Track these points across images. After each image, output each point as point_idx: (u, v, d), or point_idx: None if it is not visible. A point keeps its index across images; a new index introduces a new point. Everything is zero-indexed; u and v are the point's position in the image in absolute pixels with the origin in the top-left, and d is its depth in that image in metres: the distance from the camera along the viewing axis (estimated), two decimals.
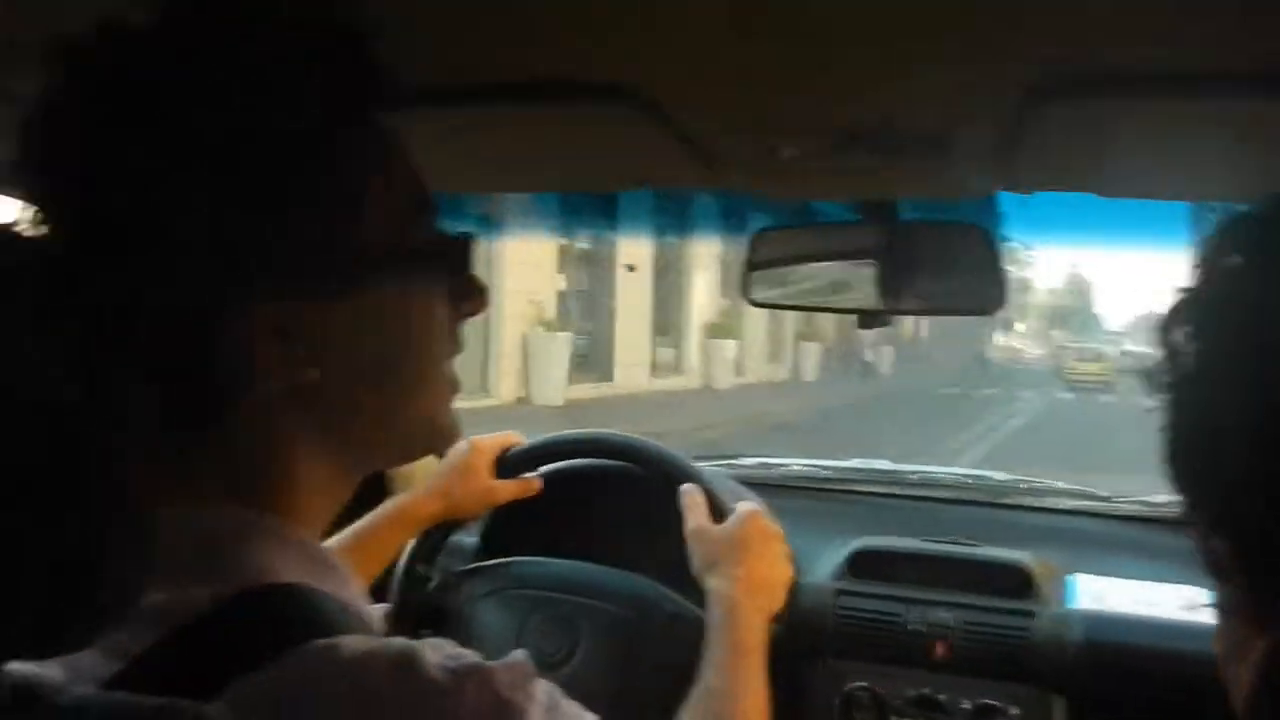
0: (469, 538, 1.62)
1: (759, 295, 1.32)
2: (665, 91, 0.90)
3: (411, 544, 1.45)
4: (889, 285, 1.24)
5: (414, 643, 0.59)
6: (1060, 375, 35.18)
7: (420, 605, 1.43)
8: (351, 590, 0.68)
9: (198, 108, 0.58)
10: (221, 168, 0.59)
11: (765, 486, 1.70)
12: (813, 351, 25.64)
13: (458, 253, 0.74)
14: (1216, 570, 0.56)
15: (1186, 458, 0.55)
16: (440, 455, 1.42)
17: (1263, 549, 0.51)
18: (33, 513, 0.48)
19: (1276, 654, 0.53)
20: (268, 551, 0.63)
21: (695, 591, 1.39)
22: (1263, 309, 0.50)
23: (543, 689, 0.63)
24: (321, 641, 0.57)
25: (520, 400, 13.95)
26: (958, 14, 0.69)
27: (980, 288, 1.17)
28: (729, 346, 19.79)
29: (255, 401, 0.63)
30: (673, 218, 18.52)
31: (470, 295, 0.74)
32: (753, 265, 1.30)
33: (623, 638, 1.37)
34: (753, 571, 1.21)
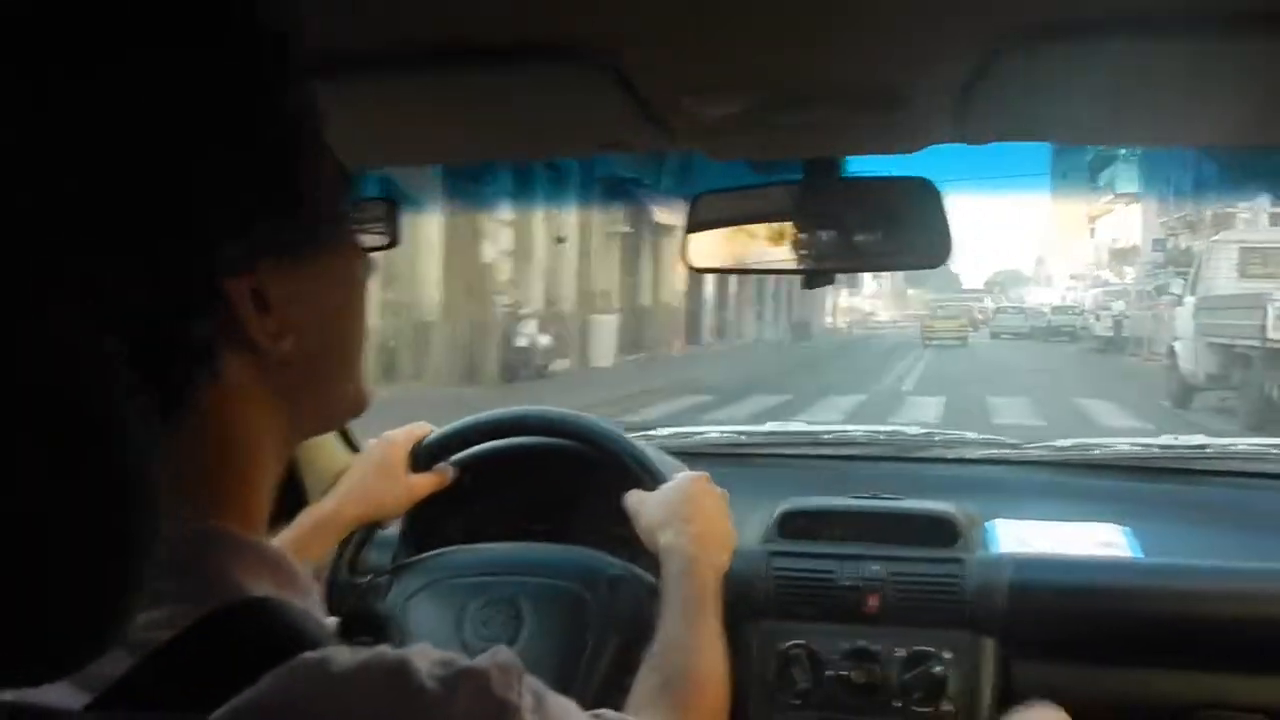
0: (389, 535, 1.57)
1: (698, 260, 1.31)
2: (618, 52, 0.88)
3: (333, 552, 1.41)
4: (832, 243, 1.24)
5: (403, 651, 0.57)
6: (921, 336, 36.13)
7: (354, 613, 1.38)
8: (312, 599, 0.65)
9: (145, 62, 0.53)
10: (190, 132, 0.55)
11: (684, 455, 1.70)
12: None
13: (389, 217, 0.73)
14: None
15: None
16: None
17: None
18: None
19: None
20: (233, 564, 0.60)
21: (632, 557, 1.38)
22: None
23: (529, 685, 0.61)
24: (310, 656, 0.54)
25: None
26: None
27: (926, 241, 1.18)
28: None
29: (219, 385, 0.59)
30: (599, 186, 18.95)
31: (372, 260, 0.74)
32: (692, 228, 1.28)
33: (567, 608, 1.36)
34: (705, 529, 1.23)
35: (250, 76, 0.57)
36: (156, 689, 0.53)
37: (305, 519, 1.33)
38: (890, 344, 35.30)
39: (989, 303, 59.05)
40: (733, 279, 26.51)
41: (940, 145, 1.13)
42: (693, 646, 1.09)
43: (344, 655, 0.54)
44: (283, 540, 1.27)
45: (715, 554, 1.21)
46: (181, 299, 0.55)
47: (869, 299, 72.13)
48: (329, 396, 0.70)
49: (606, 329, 20.21)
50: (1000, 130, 1.06)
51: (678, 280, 25.09)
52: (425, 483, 1.45)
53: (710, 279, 25.64)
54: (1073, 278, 57.68)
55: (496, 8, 0.79)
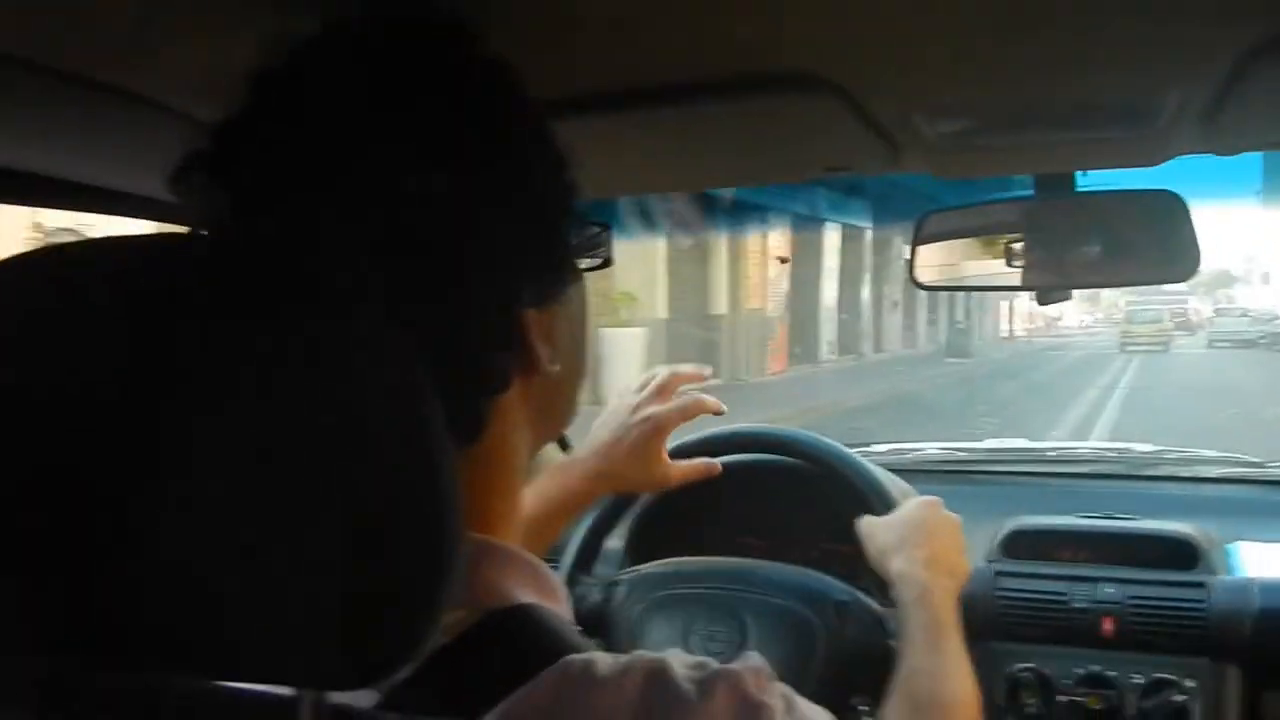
0: (615, 542, 1.61)
1: (925, 277, 1.31)
2: (847, 76, 0.89)
3: (570, 552, 1.45)
4: (1068, 259, 1.22)
5: (661, 655, 0.60)
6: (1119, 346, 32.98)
7: (585, 616, 1.43)
8: (566, 605, 0.69)
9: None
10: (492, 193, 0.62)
11: (902, 472, 1.68)
12: None
13: (605, 242, 0.78)
14: None
15: None
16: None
17: None
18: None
19: None
20: (502, 574, 0.65)
21: (859, 583, 1.38)
22: None
23: (779, 688, 0.63)
24: (577, 658, 0.58)
25: None
26: None
27: (1170, 255, 1.14)
28: None
29: (501, 406, 0.65)
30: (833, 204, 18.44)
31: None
32: (918, 243, 1.28)
33: (791, 630, 1.35)
34: (937, 554, 1.20)
35: (529, 159, 0.65)
36: (439, 689, 0.58)
37: (547, 489, 1.22)
38: (1074, 360, 29.08)
39: (1195, 304, 53.19)
40: (868, 277, 24.40)
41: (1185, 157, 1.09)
42: (939, 672, 1.07)
43: (607, 659, 0.58)
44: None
45: (949, 579, 1.18)
46: (490, 335, 0.62)
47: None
48: (569, 409, 0.76)
49: (626, 346, 14.07)
50: (1254, 140, 1.02)
51: (772, 281, 20.32)
52: (682, 471, 1.32)
53: (834, 278, 22.46)
54: None
55: (724, 43, 0.81)
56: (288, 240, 0.54)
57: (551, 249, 0.66)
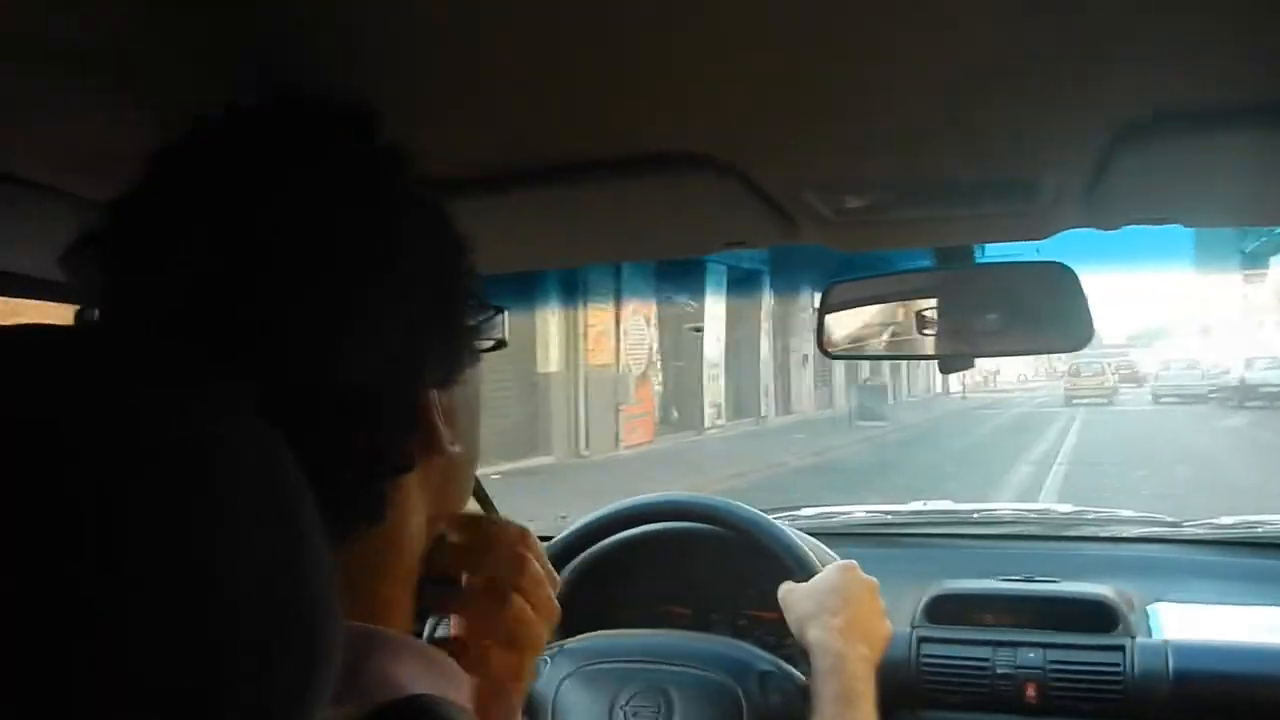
0: None
1: (832, 347, 1.33)
2: (739, 156, 0.91)
3: None
4: (968, 328, 1.24)
5: None
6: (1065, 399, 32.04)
7: None
8: (464, 694, 0.68)
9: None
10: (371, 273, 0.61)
11: (827, 536, 1.69)
12: None
13: (500, 326, 0.79)
14: None
15: None
16: None
17: None
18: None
19: None
20: (393, 663, 0.62)
21: (783, 651, 1.38)
22: None
23: None
24: None
25: None
26: (1047, 60, 0.70)
27: (1065, 325, 1.17)
28: None
29: (397, 494, 0.63)
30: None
31: None
32: (826, 312, 1.30)
33: (716, 701, 1.35)
34: (853, 620, 1.21)
35: (421, 240, 0.64)
36: None
37: None
38: (1008, 420, 25.48)
39: (1138, 356, 50.75)
40: (767, 329, 21.54)
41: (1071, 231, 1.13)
42: None
43: None
44: None
45: (865, 647, 1.19)
46: (394, 414, 0.61)
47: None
48: (466, 490, 0.75)
49: None
50: (1130, 215, 1.05)
51: (629, 332, 16.69)
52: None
53: (720, 329, 18.89)
54: None
55: (618, 124, 0.82)
56: (151, 325, 0.54)
57: (452, 330, 0.66)
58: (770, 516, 1.52)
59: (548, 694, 1.40)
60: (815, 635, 1.20)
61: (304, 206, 0.59)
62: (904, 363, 28.02)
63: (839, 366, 23.92)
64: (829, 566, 1.32)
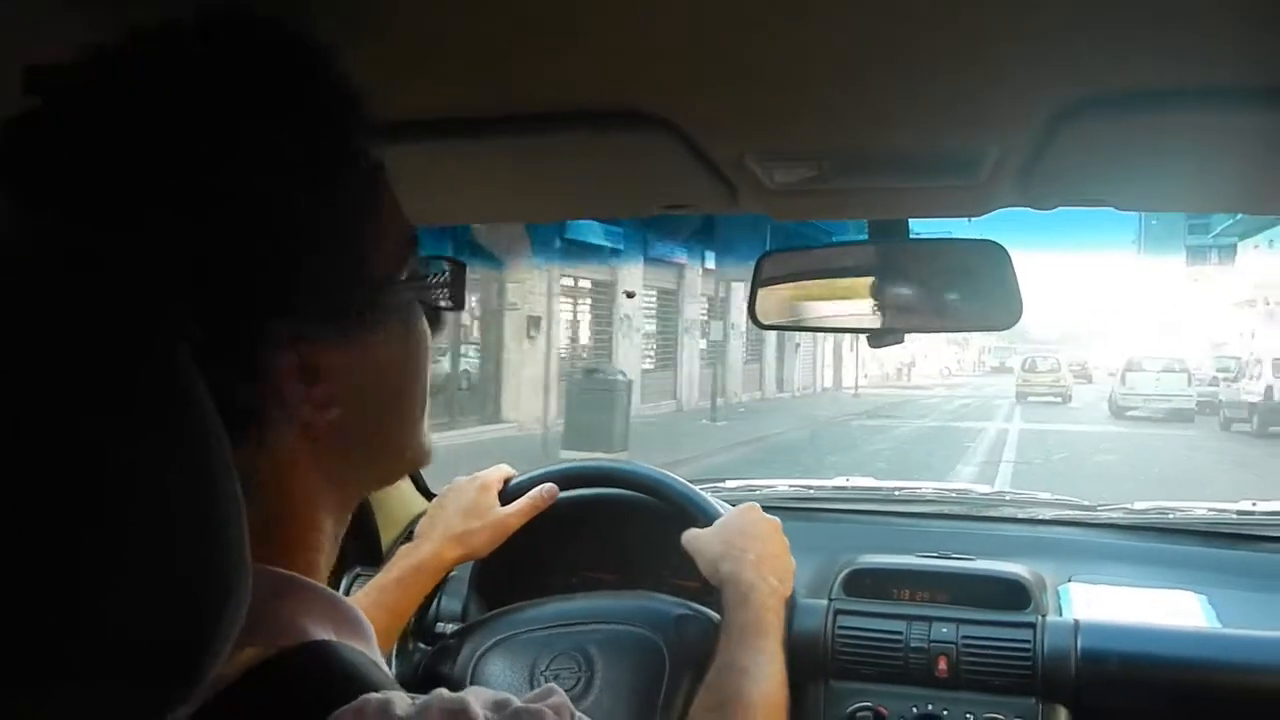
0: (454, 601, 1.59)
1: (765, 317, 1.32)
2: (681, 116, 0.90)
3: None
4: (899, 302, 1.24)
5: (460, 694, 0.59)
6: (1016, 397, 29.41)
7: (424, 678, 1.39)
8: (374, 645, 0.66)
9: (197, 150, 0.56)
10: (228, 215, 0.56)
11: None
12: None
13: (455, 280, 0.75)
14: None
15: None
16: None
17: None
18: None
19: None
20: (298, 608, 0.61)
21: (700, 598, 1.39)
22: None
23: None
24: (374, 697, 0.55)
25: None
26: (989, 39, 0.70)
27: (995, 303, 1.18)
28: None
29: (272, 449, 0.61)
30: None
31: (442, 319, 0.74)
32: (759, 285, 1.29)
33: (637, 652, 1.35)
34: (762, 555, 1.23)
35: (313, 143, 0.59)
36: None
37: (404, 562, 1.34)
38: (911, 433, 19.04)
39: (1089, 356, 46.85)
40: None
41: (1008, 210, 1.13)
42: (748, 670, 1.08)
43: (405, 698, 0.56)
44: (382, 583, 1.30)
45: (775, 579, 1.21)
46: (222, 369, 0.55)
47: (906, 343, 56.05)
48: (386, 457, 0.71)
49: None
50: (1064, 196, 1.06)
51: None
52: (519, 511, 1.44)
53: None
54: None
55: (560, 74, 0.81)
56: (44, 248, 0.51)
57: (341, 284, 0.61)
58: (696, 487, 1.52)
59: (465, 671, 1.39)
60: (728, 569, 1.22)
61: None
62: (794, 346, 27.30)
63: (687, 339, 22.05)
64: (730, 511, 1.35)
